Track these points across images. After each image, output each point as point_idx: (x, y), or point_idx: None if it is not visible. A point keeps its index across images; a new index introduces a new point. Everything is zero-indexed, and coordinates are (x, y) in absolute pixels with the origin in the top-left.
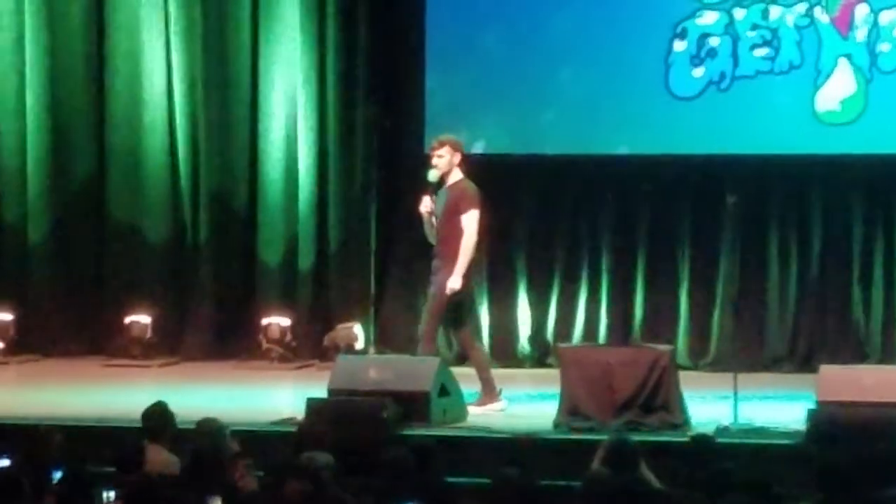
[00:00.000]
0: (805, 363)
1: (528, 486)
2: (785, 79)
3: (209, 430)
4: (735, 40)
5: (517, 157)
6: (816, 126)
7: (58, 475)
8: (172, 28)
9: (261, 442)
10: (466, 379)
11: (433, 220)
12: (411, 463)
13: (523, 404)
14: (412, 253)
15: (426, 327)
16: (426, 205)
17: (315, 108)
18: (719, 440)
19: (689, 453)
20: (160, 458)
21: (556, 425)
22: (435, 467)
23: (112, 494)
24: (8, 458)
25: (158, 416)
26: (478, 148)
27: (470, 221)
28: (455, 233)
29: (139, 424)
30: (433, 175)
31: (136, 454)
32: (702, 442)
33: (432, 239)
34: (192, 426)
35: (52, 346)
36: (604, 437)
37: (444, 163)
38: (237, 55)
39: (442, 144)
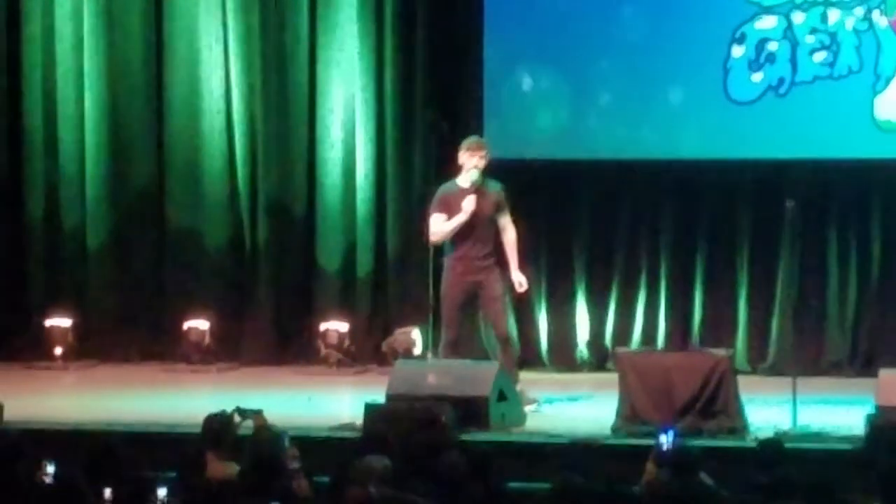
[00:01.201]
0: (865, 367)
1: (589, 491)
2: (844, 84)
3: (267, 436)
4: (794, 45)
5: (575, 162)
6: (875, 131)
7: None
8: (230, 35)
9: (319, 447)
10: (525, 385)
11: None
12: (466, 469)
13: (583, 409)
14: None
15: (506, 326)
16: (471, 203)
17: (373, 114)
18: None
19: (752, 458)
20: (220, 465)
21: (615, 430)
22: (493, 474)
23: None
24: (64, 465)
25: (219, 423)
26: (534, 153)
27: (510, 219)
28: (494, 231)
29: (198, 430)
30: (478, 177)
31: (196, 460)
32: (769, 447)
33: (447, 238)
34: (251, 432)
35: (110, 351)
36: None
37: (485, 164)
38: (295, 62)
39: (484, 147)
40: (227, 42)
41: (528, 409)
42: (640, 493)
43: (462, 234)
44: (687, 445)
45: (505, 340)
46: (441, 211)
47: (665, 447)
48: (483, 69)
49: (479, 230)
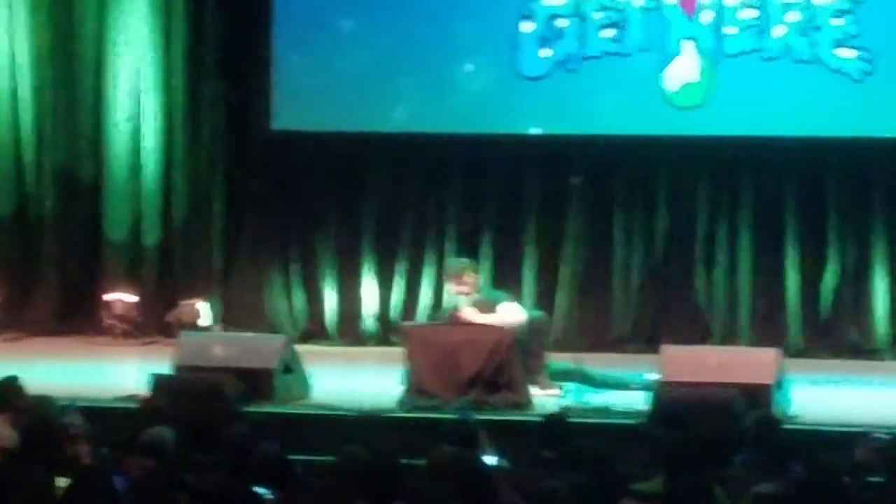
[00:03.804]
0: (648, 343)
1: (374, 463)
2: (632, 60)
3: (41, 405)
4: (582, 21)
5: (364, 134)
6: (663, 108)
7: None
8: (15, 1)
9: (104, 418)
10: (311, 357)
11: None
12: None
13: (368, 382)
14: (259, 229)
15: None
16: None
17: (161, 82)
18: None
19: (537, 433)
20: (3, 432)
21: (401, 404)
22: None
23: None
24: None
25: (4, 389)
26: (323, 125)
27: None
28: None
29: None
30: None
31: None
32: (554, 422)
33: None
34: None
35: None
36: (448, 415)
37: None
38: (82, 28)
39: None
40: (13, 8)
41: (548, 393)
42: (424, 466)
43: None
44: (468, 420)
45: None
46: None
47: None
48: (273, 38)
49: None
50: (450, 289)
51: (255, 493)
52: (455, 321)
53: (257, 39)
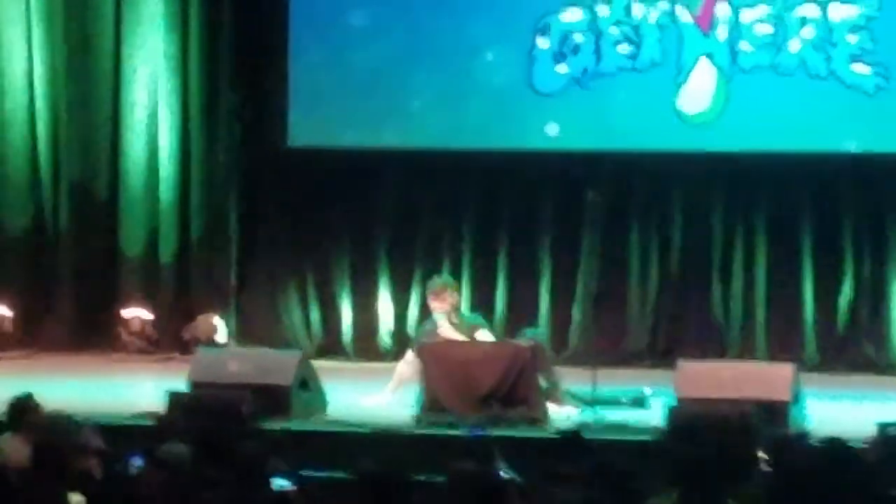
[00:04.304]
0: (664, 358)
1: (387, 479)
2: (647, 76)
3: (55, 421)
4: (598, 37)
5: (380, 150)
6: (677, 124)
7: None
8: (33, 15)
9: (121, 435)
10: (328, 373)
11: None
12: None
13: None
14: (274, 245)
15: None
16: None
17: (177, 96)
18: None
19: (553, 449)
20: (18, 449)
21: (417, 420)
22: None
23: None
24: None
25: (19, 406)
26: (338, 141)
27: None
28: None
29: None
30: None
31: None
32: (570, 437)
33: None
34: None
35: None
36: (463, 431)
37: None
38: (99, 42)
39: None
40: (30, 21)
41: (565, 410)
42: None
43: None
44: (486, 435)
45: None
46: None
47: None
48: (289, 52)
49: None
50: (431, 306)
51: None
52: (434, 339)
53: (274, 56)
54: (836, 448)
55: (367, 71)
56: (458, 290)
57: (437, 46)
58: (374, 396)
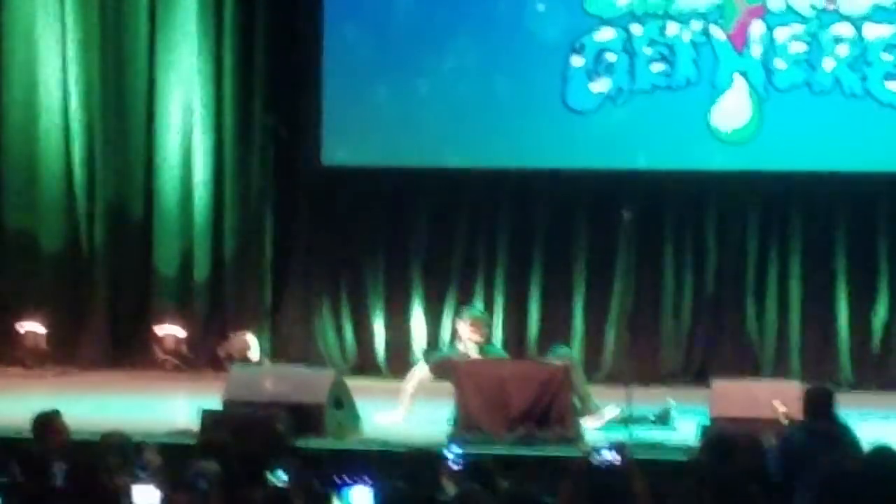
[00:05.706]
0: (698, 377)
1: (418, 498)
2: (681, 94)
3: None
4: (632, 56)
5: (413, 169)
6: (712, 142)
7: None
8: (69, 36)
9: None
10: (362, 391)
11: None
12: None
13: (419, 416)
14: (308, 264)
15: None
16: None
17: (212, 117)
18: None
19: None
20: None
21: (451, 438)
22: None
23: None
24: None
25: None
26: (372, 160)
27: None
28: None
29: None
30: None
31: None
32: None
33: None
34: (89, 437)
35: None
36: (499, 450)
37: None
38: (134, 63)
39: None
40: (66, 43)
41: (602, 418)
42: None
43: None
44: (479, 455)
45: None
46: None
47: (455, 464)
48: (323, 73)
49: None
50: (464, 333)
51: None
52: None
53: (307, 75)
54: (883, 455)
55: (402, 88)
56: (491, 324)
57: (471, 66)
58: (389, 414)
